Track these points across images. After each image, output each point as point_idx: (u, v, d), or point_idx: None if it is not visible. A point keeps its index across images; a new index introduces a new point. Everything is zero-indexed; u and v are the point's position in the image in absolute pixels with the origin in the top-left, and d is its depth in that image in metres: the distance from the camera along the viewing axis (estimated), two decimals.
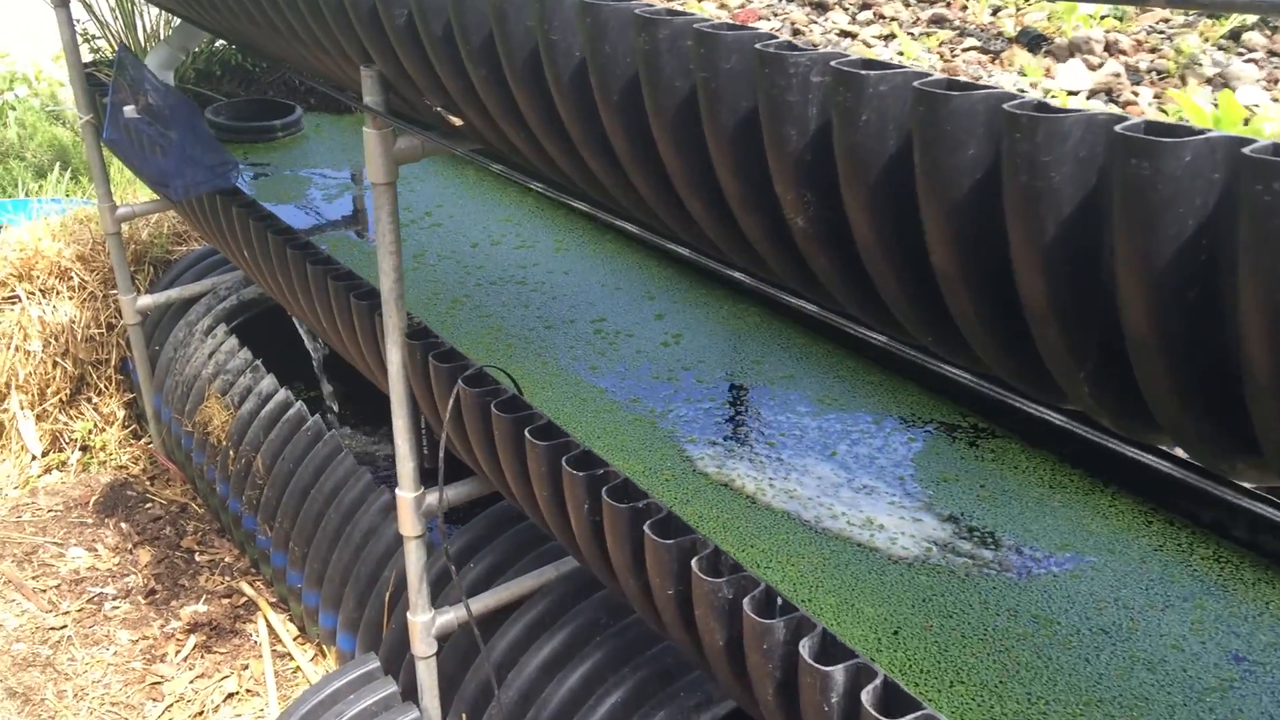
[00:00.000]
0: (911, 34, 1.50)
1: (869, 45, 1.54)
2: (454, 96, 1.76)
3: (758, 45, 1.21)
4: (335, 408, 3.79)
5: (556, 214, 3.00)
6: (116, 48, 2.78)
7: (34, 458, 3.99)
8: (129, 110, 3.01)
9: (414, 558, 2.32)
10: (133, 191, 4.51)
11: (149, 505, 3.70)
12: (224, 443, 3.46)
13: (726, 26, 1.28)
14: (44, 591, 3.25)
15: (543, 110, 1.57)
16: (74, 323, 3.99)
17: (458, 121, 1.89)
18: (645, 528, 1.62)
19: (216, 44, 3.73)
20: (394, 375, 2.17)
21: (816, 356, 2.31)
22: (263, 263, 2.65)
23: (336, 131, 3.66)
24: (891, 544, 1.77)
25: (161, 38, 3.67)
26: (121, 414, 4.10)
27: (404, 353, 2.15)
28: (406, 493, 2.26)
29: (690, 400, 2.17)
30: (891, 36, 1.56)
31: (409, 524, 2.28)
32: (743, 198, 1.33)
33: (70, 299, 4.01)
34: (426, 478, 2.28)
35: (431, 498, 2.28)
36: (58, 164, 5.63)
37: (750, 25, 1.44)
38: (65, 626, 3.10)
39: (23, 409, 3.99)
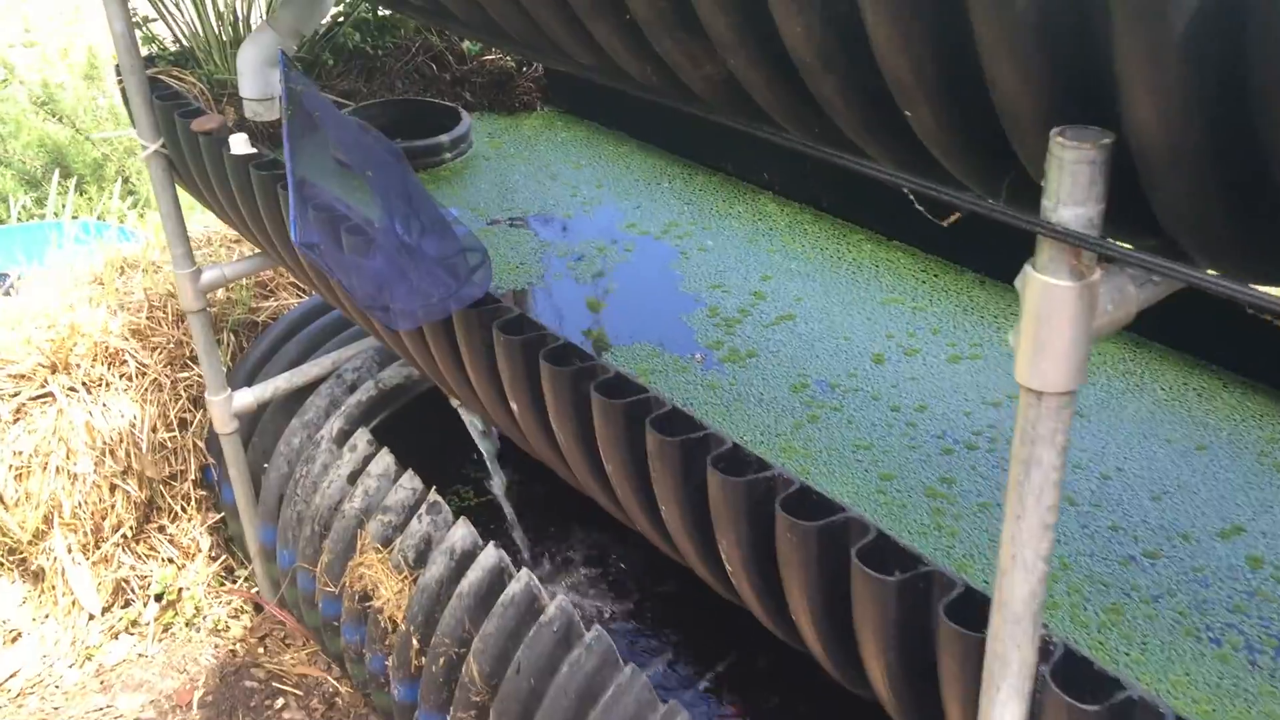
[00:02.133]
0: None
1: None
2: None
3: None
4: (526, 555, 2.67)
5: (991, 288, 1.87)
6: (280, 54, 1.59)
7: (91, 617, 2.85)
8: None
9: None
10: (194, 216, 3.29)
11: (280, 702, 2.57)
12: (401, 624, 2.33)
13: None
14: None
15: None
16: (135, 427, 2.81)
17: None
18: None
19: (326, 20, 2.51)
20: None
21: None
22: (575, 455, 1.50)
23: (519, 143, 2.47)
24: None
25: (248, 19, 2.45)
26: (207, 543, 2.95)
27: None
28: None
29: None
30: None
31: None
32: None
33: (126, 392, 2.83)
34: None
35: None
36: (56, 170, 4.38)
37: None
38: None
39: (71, 552, 2.83)
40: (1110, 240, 0.83)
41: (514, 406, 1.60)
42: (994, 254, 1.87)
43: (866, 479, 1.46)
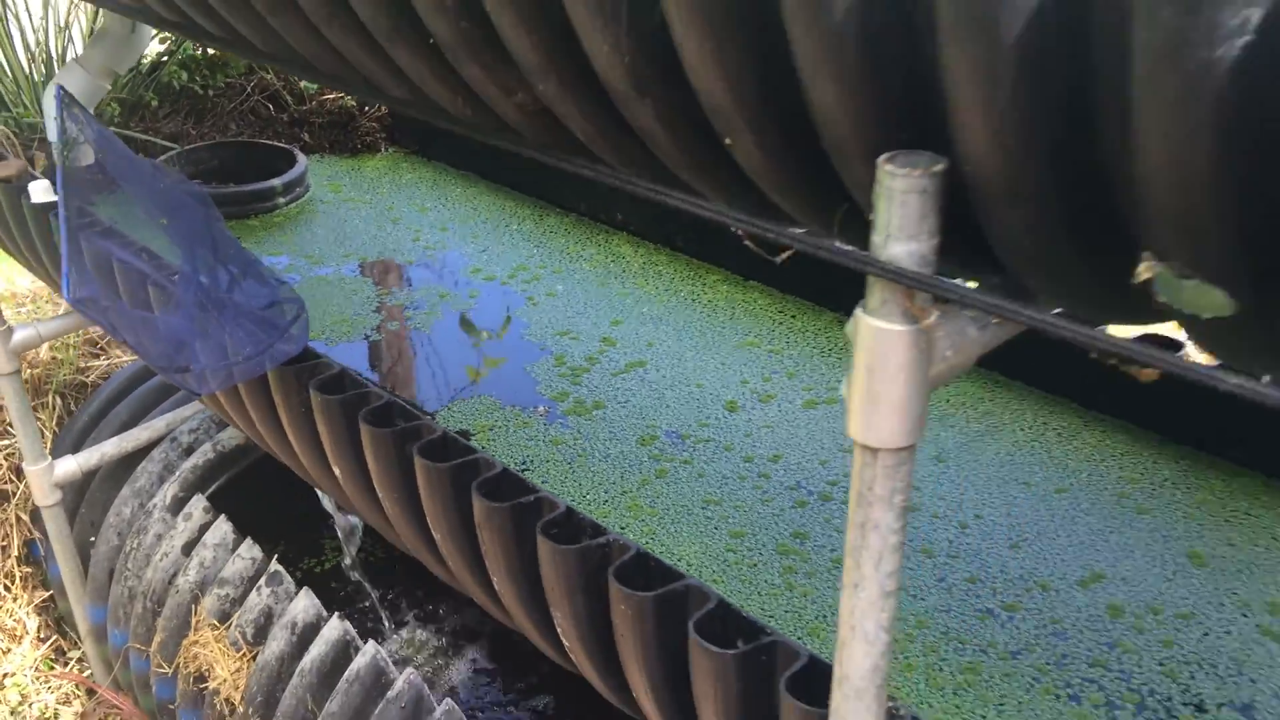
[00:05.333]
0: None
1: None
2: None
3: None
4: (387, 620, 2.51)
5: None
6: (56, 90, 1.45)
7: None
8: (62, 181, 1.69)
9: None
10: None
11: None
12: (239, 705, 2.15)
13: None
14: None
15: None
16: None
17: None
18: None
19: (150, 57, 2.36)
20: None
21: None
22: (403, 522, 1.37)
23: (360, 187, 2.34)
24: None
25: (63, 56, 2.28)
26: (34, 623, 2.72)
27: None
28: None
29: None
30: None
31: None
32: None
33: None
34: None
35: None
36: None
37: None
38: None
39: None
40: (945, 279, 0.75)
41: (337, 471, 1.47)
42: (855, 291, 1.81)
43: (716, 537, 1.36)
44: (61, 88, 1.43)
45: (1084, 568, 1.31)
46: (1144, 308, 0.73)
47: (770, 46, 0.76)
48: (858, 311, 0.79)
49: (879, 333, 0.77)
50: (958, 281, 0.76)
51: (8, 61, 2.30)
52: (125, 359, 2.84)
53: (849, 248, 0.80)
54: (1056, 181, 0.67)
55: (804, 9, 0.70)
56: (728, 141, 0.86)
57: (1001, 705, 1.14)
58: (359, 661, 2.02)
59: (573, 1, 0.85)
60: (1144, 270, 0.68)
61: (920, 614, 1.25)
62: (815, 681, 1.00)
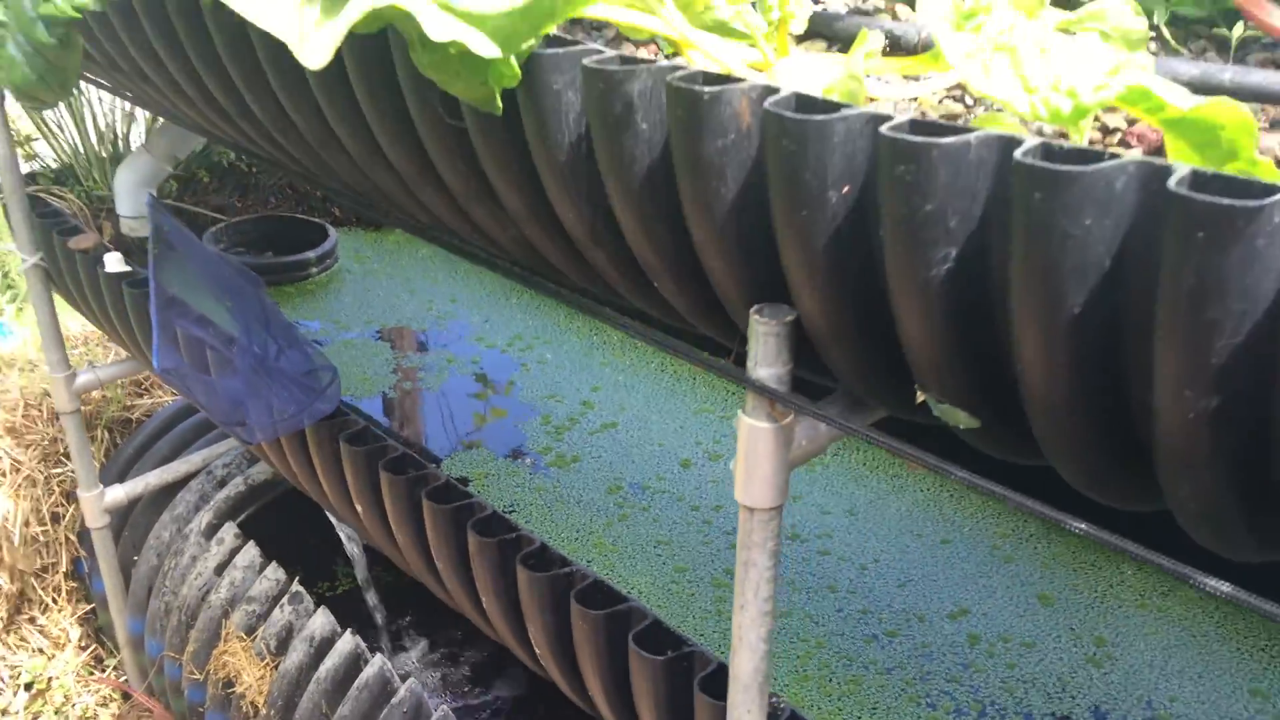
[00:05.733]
0: None
1: None
2: None
3: None
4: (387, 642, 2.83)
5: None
6: (148, 197, 1.79)
7: None
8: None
9: None
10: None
11: None
12: (263, 708, 2.47)
13: None
14: None
15: None
16: (8, 521, 2.91)
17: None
18: None
19: (201, 140, 2.71)
20: None
21: None
22: (412, 553, 1.70)
23: (382, 258, 2.69)
24: None
25: (127, 137, 2.64)
26: (77, 633, 3.05)
27: None
28: None
29: None
30: None
31: None
32: None
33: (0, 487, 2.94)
34: None
35: None
36: None
37: None
38: None
39: None
40: (792, 396, 1.08)
41: (359, 509, 1.80)
42: None
43: (663, 571, 1.69)
44: (152, 194, 1.77)
45: (954, 604, 1.63)
46: (931, 416, 1.06)
47: (680, 227, 1.10)
48: (739, 413, 1.12)
49: (752, 428, 1.11)
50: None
51: (82, 142, 2.65)
52: (166, 399, 3.19)
53: (733, 367, 1.14)
54: (860, 335, 1.00)
55: (696, 212, 1.03)
56: (656, 284, 1.20)
57: (874, 709, 1.46)
58: (368, 672, 2.34)
59: (549, 180, 1.19)
60: (919, 395, 1.02)
61: (819, 637, 1.58)
62: (724, 682, 1.33)
